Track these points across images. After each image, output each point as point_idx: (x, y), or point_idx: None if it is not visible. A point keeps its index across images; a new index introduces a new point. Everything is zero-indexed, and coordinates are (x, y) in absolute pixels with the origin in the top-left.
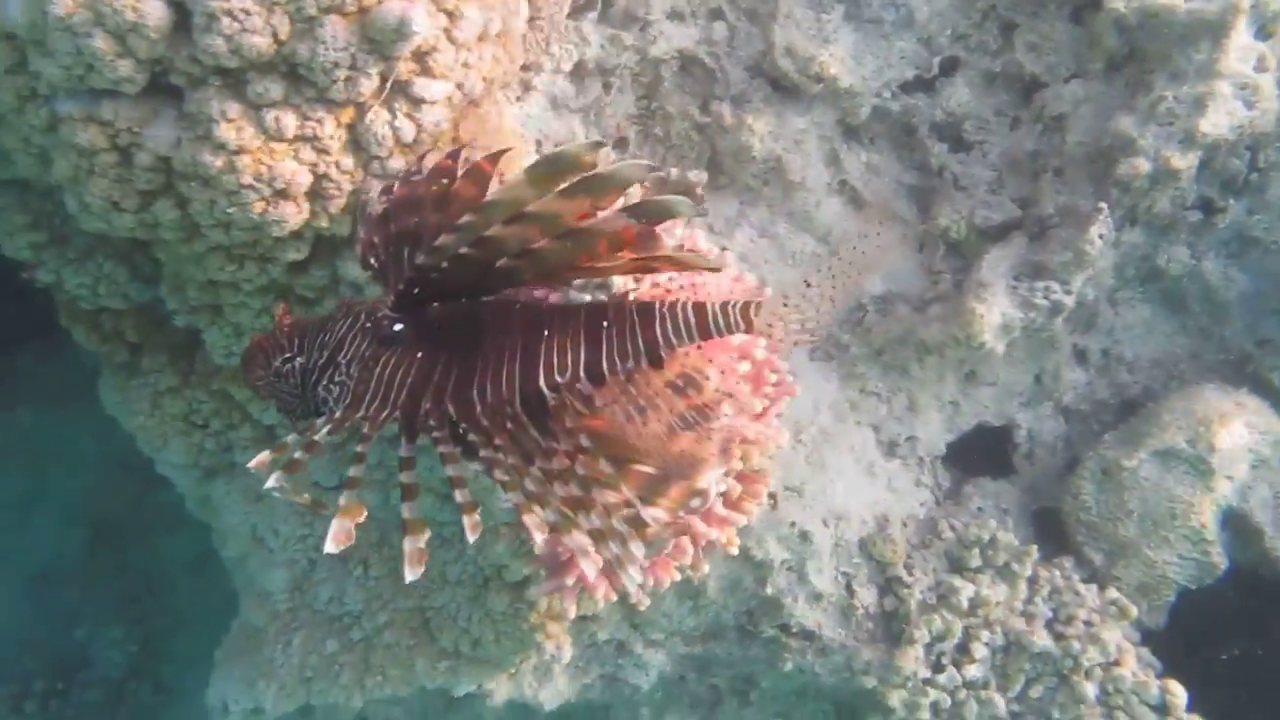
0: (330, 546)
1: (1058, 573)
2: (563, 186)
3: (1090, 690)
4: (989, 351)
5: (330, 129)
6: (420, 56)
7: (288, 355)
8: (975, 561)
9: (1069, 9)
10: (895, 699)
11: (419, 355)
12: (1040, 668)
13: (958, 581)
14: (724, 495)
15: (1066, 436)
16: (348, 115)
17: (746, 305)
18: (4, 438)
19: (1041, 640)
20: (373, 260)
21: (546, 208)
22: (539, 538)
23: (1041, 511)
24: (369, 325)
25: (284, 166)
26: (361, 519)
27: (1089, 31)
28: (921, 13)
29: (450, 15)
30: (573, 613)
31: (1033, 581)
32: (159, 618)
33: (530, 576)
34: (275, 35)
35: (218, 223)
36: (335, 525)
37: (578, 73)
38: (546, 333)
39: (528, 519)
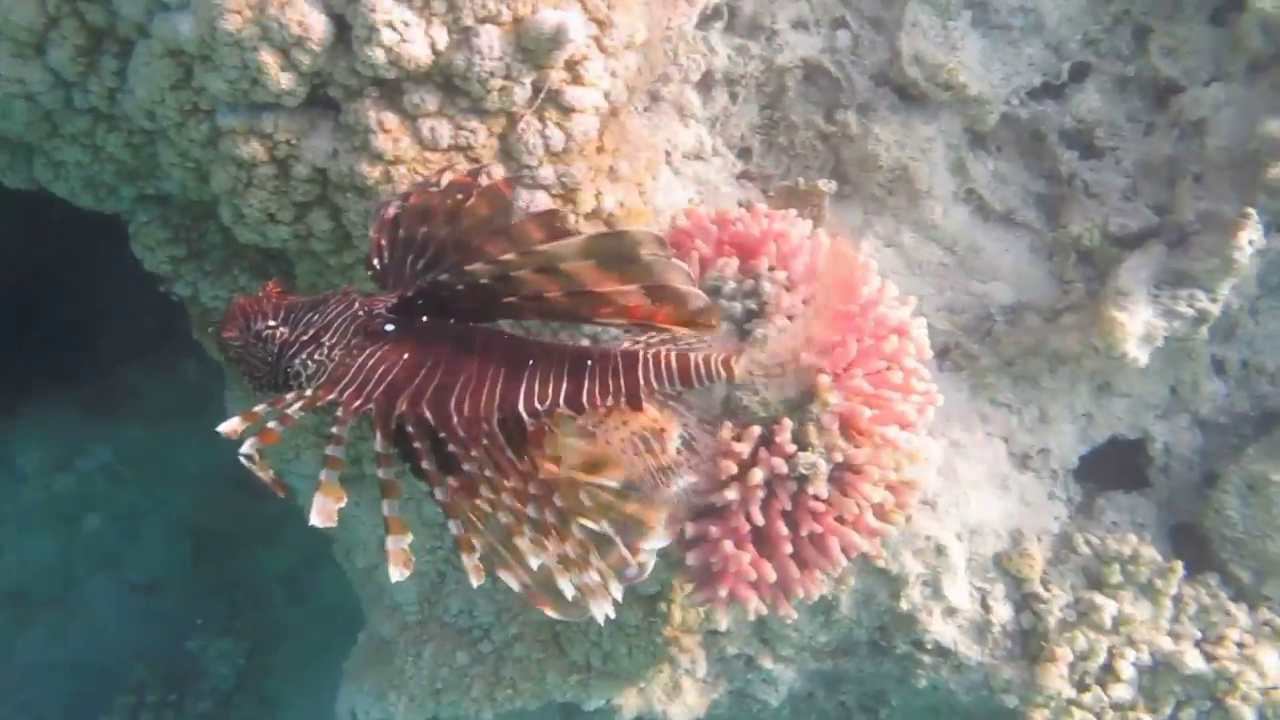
0: (315, 520)
1: (1203, 590)
2: (604, 259)
3: (1249, 715)
4: (1129, 362)
5: (483, 138)
6: (571, 65)
7: (271, 324)
8: (1116, 578)
9: (1207, 11)
10: (1039, 718)
11: (404, 356)
12: (1191, 690)
13: (1099, 598)
14: (877, 506)
15: (1203, 450)
16: (499, 124)
17: (728, 358)
18: (116, 452)
19: (1193, 661)
20: (376, 262)
21: (578, 271)
22: (535, 562)
23: (1179, 527)
24: (361, 316)
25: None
26: (342, 502)
27: (1230, 33)
28: (1051, 18)
29: (601, 24)
30: (725, 624)
31: (1177, 599)
32: (263, 631)
33: (663, 590)
34: (433, 46)
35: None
36: (317, 501)
37: (704, 83)
38: (531, 362)
39: (520, 542)
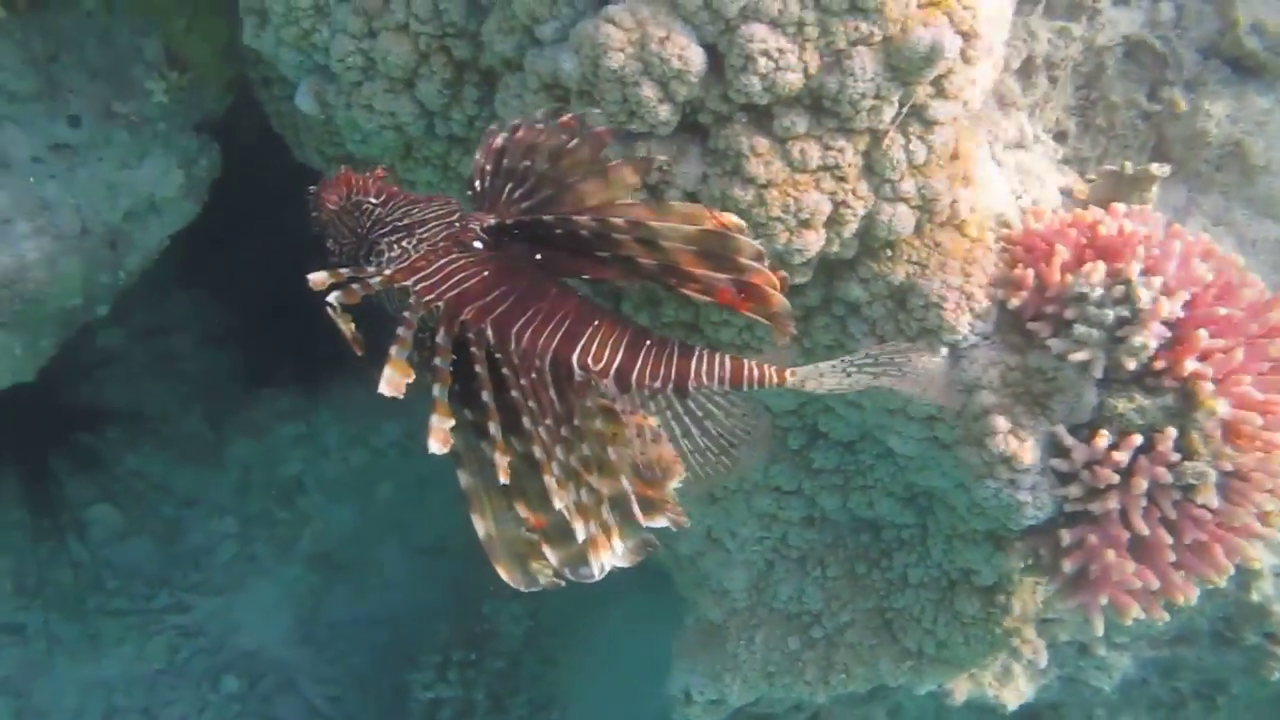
0: (383, 389)
1: None
2: (704, 253)
3: None
4: None
5: (849, 156)
6: (937, 79)
7: (372, 200)
8: None
9: None
10: None
11: (484, 274)
12: None
13: None
14: (1264, 514)
15: None
16: (864, 142)
17: (781, 369)
18: (405, 428)
19: None
20: (477, 184)
21: (676, 252)
22: (559, 503)
23: None
24: (456, 226)
25: (808, 197)
26: (410, 378)
27: None
28: None
29: (966, 35)
30: (1100, 630)
31: None
32: (545, 595)
33: (1001, 581)
34: (805, 70)
35: None
36: (387, 371)
37: (1025, 69)
38: (596, 323)
39: (547, 479)
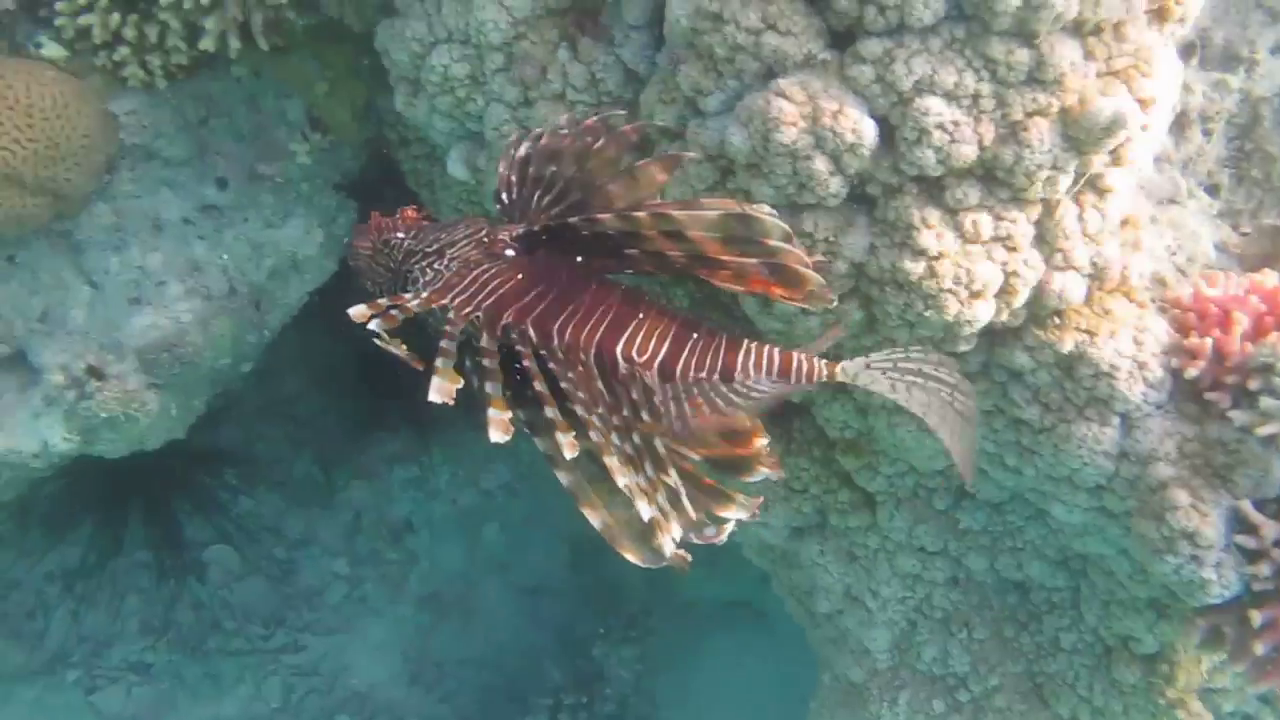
0: (433, 396)
1: None
2: (730, 238)
3: None
4: None
5: (1022, 227)
6: (1114, 148)
7: (399, 236)
8: None
9: None
10: None
11: (519, 277)
12: None
13: None
14: None
15: None
16: (1035, 211)
17: (832, 364)
18: (515, 471)
19: None
20: (505, 196)
21: (702, 241)
22: (621, 481)
23: None
24: (485, 241)
25: (980, 269)
26: (459, 384)
27: None
28: None
29: (1143, 103)
30: None
31: None
32: (652, 635)
33: (1163, 650)
34: (980, 143)
35: (904, 323)
36: (435, 380)
37: (1179, 123)
38: (641, 316)
39: (608, 460)
